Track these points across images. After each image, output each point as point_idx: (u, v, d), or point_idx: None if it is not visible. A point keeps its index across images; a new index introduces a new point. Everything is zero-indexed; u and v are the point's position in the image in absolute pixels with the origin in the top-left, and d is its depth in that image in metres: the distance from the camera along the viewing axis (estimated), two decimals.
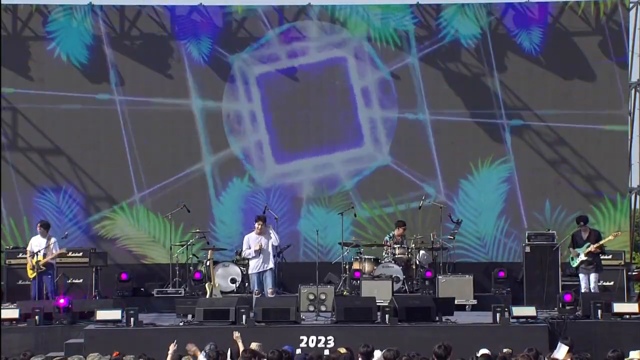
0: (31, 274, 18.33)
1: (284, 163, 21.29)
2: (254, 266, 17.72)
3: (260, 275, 17.68)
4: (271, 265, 17.71)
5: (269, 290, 17.54)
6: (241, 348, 13.34)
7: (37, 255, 18.15)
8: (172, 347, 12.87)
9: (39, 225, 18.73)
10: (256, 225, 17.76)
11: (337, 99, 21.37)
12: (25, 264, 18.82)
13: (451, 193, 21.07)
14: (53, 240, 18.46)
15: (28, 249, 18.56)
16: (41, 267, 18.18)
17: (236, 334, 13.68)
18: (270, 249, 17.74)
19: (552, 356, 12.96)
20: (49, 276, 18.33)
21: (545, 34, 21.14)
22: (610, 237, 18.43)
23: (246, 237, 17.94)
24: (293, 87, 21.44)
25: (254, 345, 13.16)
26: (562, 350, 13.12)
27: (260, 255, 17.61)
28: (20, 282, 19.51)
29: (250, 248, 17.69)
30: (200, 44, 21.31)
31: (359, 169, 21.25)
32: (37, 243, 18.42)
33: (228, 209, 21.22)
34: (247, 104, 21.37)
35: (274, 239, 17.75)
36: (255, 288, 17.62)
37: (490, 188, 21.24)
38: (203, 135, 21.28)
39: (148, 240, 21.19)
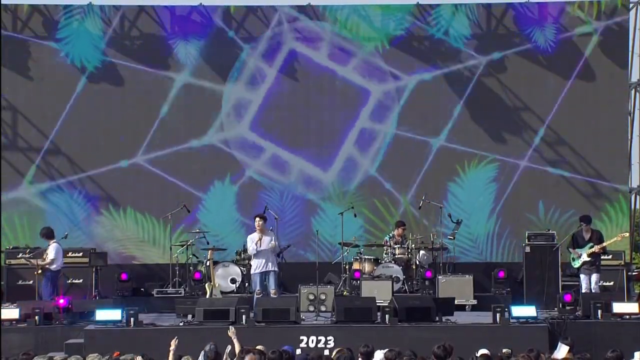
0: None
1: (284, 161, 21.35)
2: (257, 266, 17.70)
3: (263, 275, 17.66)
4: (274, 267, 17.70)
5: (271, 291, 17.54)
6: (236, 345, 13.27)
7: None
8: (173, 344, 12.84)
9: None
10: (256, 223, 17.75)
11: (338, 101, 21.45)
12: (25, 264, 19.04)
13: (440, 196, 20.99)
14: (50, 247, 18.37)
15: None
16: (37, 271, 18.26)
17: (231, 330, 13.61)
18: (272, 250, 17.74)
19: (552, 356, 12.96)
20: (44, 280, 18.24)
21: (559, 31, 21.13)
22: (617, 238, 18.43)
23: (249, 236, 17.92)
24: (294, 87, 21.46)
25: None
26: (562, 350, 13.14)
27: (263, 254, 17.58)
28: (20, 282, 19.51)
29: (254, 243, 17.66)
30: (200, 44, 21.31)
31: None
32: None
33: (230, 208, 21.27)
34: (247, 102, 21.39)
35: (273, 242, 17.74)
36: (257, 288, 17.59)
37: (479, 189, 21.23)
38: (205, 138, 21.34)
39: (147, 240, 21.19)
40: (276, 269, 17.79)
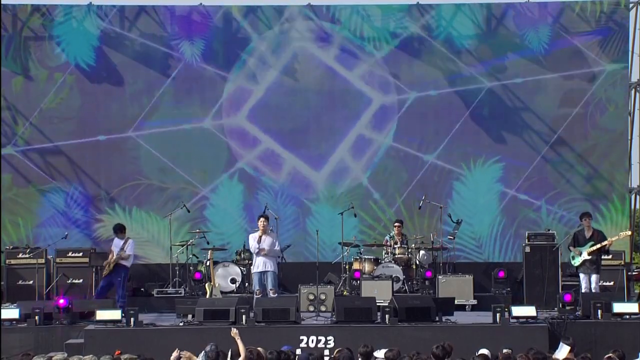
0: (105, 272, 18.13)
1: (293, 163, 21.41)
2: (257, 265, 17.67)
3: (261, 275, 17.65)
4: (272, 268, 17.66)
5: (270, 290, 17.53)
6: (240, 345, 13.23)
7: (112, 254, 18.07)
8: (174, 354, 12.81)
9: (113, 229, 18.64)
10: (260, 224, 17.70)
11: (337, 102, 21.45)
12: (26, 264, 19.22)
13: (445, 195, 20.99)
14: (129, 242, 18.22)
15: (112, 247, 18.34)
16: (110, 266, 18.06)
17: (234, 331, 13.58)
18: (273, 250, 17.72)
19: (553, 356, 12.95)
20: (119, 279, 17.98)
21: (553, 32, 21.14)
22: (617, 237, 18.41)
23: (251, 235, 17.89)
24: (292, 87, 21.47)
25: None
26: (563, 350, 13.13)
27: (264, 254, 17.57)
28: (20, 282, 19.53)
29: (257, 243, 17.64)
30: (200, 44, 21.32)
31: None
32: (115, 244, 18.25)
33: (229, 208, 21.29)
34: (248, 102, 21.41)
35: (277, 248, 17.76)
36: (257, 288, 17.60)
37: (484, 188, 21.23)
38: (206, 137, 21.38)
39: (146, 240, 21.19)
40: (275, 269, 17.74)
